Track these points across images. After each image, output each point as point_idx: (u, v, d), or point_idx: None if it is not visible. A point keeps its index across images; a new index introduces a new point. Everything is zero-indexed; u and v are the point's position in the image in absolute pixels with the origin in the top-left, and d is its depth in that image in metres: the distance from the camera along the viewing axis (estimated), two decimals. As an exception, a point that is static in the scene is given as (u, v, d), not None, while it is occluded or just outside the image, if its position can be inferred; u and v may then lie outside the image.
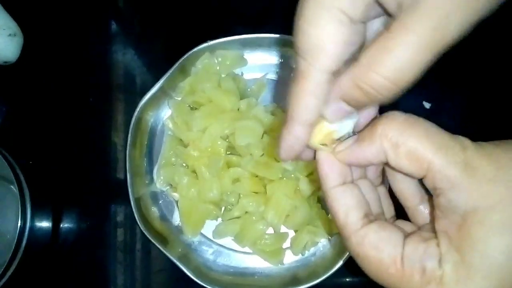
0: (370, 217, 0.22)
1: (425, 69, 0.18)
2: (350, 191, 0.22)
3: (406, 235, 0.21)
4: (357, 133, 0.23)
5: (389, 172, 0.24)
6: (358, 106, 0.21)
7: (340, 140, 0.23)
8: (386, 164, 0.21)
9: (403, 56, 0.18)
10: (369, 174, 0.25)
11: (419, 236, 0.20)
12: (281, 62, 0.47)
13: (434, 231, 0.20)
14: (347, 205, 0.21)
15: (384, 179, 0.26)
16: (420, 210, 0.24)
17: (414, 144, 0.19)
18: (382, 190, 0.25)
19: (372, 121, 0.22)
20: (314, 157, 0.24)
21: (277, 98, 0.47)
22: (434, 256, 0.19)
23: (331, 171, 0.22)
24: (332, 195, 0.22)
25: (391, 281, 0.20)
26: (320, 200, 0.44)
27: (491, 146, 0.19)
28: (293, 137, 0.22)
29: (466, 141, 0.19)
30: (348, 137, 0.23)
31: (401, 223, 0.24)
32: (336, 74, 0.21)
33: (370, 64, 0.19)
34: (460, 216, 0.19)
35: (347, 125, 0.23)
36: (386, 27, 0.19)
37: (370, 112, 0.24)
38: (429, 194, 0.23)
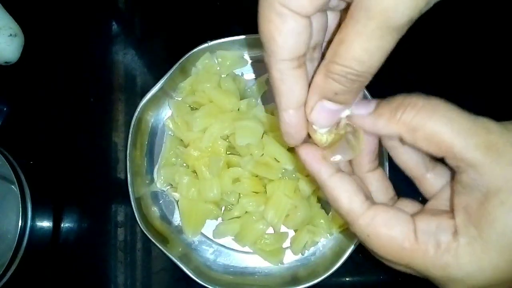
0: (371, 200, 0.22)
1: (393, 43, 0.18)
2: (347, 177, 0.22)
3: (413, 214, 0.21)
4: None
5: (390, 145, 0.24)
6: (339, 100, 0.21)
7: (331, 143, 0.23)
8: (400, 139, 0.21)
9: (364, 45, 0.18)
10: (364, 162, 0.25)
11: (429, 212, 0.21)
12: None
13: (448, 206, 0.21)
14: (348, 191, 0.22)
15: (381, 160, 0.25)
16: (428, 179, 0.24)
17: (433, 129, 0.19)
18: (380, 172, 0.25)
19: (392, 98, 0.21)
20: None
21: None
22: (448, 229, 0.20)
23: (322, 165, 0.22)
24: (331, 184, 0.22)
25: (403, 257, 0.20)
26: (320, 200, 0.44)
27: None
28: (286, 125, 0.22)
29: (491, 124, 0.19)
30: (365, 100, 0.22)
31: (403, 202, 0.24)
32: (306, 59, 0.21)
33: (334, 56, 0.19)
34: (482, 194, 0.19)
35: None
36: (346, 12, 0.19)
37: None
38: (435, 161, 0.23)
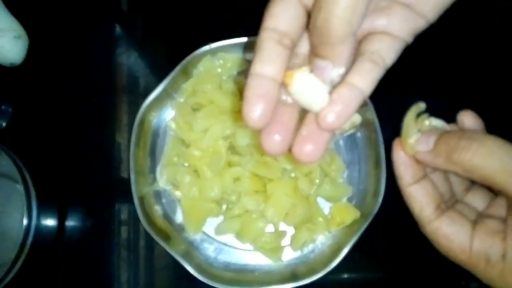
0: (442, 207, 0.25)
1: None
2: (423, 189, 0.25)
3: (475, 223, 0.24)
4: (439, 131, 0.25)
5: None
6: (321, 53, 0.21)
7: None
8: None
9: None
10: None
11: (487, 228, 0.23)
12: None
13: (504, 220, 0.23)
14: (421, 202, 0.25)
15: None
16: None
17: (486, 174, 0.22)
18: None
19: (449, 136, 0.24)
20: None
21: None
22: (499, 251, 0.22)
23: (405, 172, 0.25)
24: (408, 193, 0.25)
25: (458, 262, 0.24)
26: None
27: None
28: (249, 88, 0.22)
29: None
30: (427, 135, 0.25)
31: (475, 194, 0.27)
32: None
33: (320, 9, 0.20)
34: None
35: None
36: None
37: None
38: None
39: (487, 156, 0.22)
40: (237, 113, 0.45)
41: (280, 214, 0.43)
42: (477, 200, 0.27)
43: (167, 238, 0.43)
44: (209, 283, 0.41)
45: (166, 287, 0.46)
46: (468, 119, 0.26)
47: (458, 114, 0.27)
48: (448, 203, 0.26)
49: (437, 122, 0.26)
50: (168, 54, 0.50)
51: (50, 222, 0.45)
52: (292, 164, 0.43)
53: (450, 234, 0.24)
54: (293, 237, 0.44)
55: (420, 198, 0.25)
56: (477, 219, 0.25)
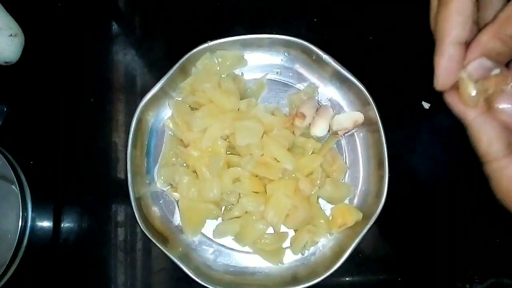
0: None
1: None
2: (494, 120, 0.23)
3: None
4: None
5: None
6: (497, 58, 0.22)
7: None
8: None
9: None
10: None
11: None
12: (281, 63, 0.47)
13: None
14: (490, 135, 0.23)
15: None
16: None
17: None
18: None
19: None
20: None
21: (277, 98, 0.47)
22: None
23: (466, 107, 0.24)
24: (475, 125, 0.23)
25: None
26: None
27: None
28: (447, 58, 0.23)
29: None
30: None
31: None
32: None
33: (509, 19, 0.21)
34: None
35: None
36: None
37: None
38: None
39: None
40: (236, 112, 0.44)
41: (281, 216, 0.42)
42: None
43: (164, 240, 0.43)
44: (208, 286, 0.41)
45: (164, 290, 0.46)
46: None
47: None
48: None
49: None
50: (166, 52, 0.50)
51: (45, 223, 0.45)
52: (292, 164, 0.42)
53: None
54: (294, 240, 0.43)
55: (489, 131, 0.23)
56: None
